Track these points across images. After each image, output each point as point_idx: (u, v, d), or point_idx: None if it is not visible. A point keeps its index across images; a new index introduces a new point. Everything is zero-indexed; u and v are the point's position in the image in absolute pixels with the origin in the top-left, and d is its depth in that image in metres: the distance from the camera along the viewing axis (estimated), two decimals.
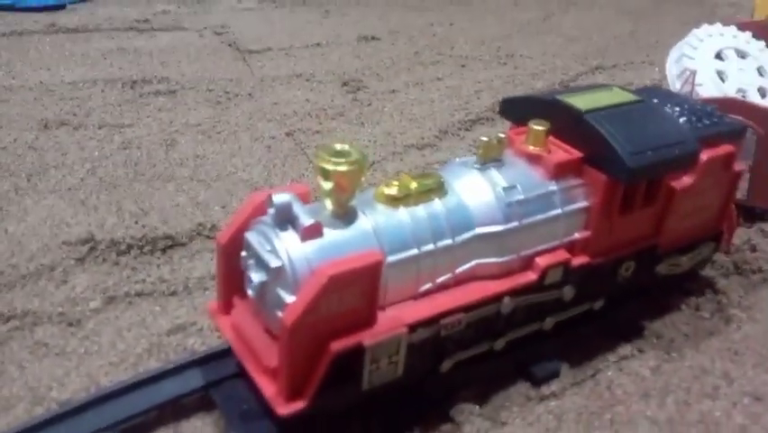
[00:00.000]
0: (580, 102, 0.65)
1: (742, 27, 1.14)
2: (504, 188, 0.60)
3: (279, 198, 0.51)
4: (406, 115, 1.23)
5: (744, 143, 0.77)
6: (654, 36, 1.72)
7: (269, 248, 0.51)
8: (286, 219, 0.51)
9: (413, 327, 0.55)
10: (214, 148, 1.09)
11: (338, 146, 0.52)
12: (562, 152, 0.64)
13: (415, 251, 0.55)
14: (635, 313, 0.75)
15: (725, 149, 0.71)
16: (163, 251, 0.85)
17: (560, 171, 0.63)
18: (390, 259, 0.54)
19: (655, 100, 0.73)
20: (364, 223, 0.54)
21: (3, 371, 0.66)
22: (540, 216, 0.61)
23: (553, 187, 0.62)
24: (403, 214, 0.56)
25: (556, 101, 0.65)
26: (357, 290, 0.51)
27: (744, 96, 1.03)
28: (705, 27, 1.09)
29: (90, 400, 0.59)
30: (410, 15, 1.86)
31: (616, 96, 0.68)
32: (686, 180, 0.69)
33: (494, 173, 0.61)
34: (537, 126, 0.63)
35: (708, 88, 1.02)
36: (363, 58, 1.50)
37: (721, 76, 1.06)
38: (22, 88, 1.28)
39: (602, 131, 0.62)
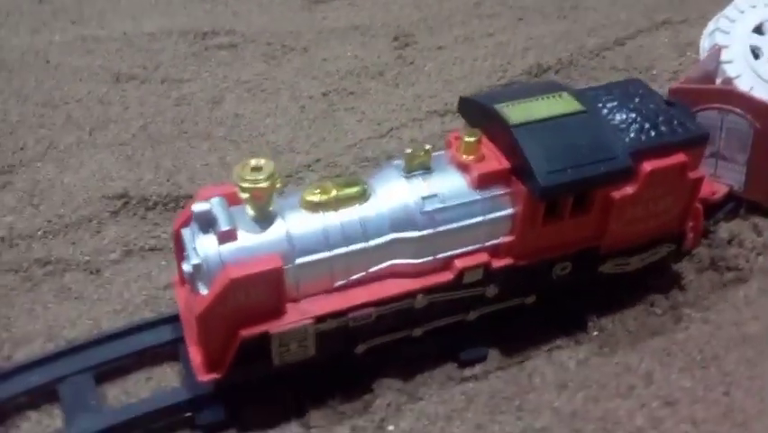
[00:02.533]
0: (516, 112, 0.68)
1: None
2: (423, 197, 0.66)
3: (199, 207, 0.60)
4: (443, 76, 1.26)
5: (703, 151, 0.76)
6: None
7: (193, 246, 0.61)
8: (207, 223, 0.61)
9: (321, 318, 0.64)
10: (255, 107, 1.19)
11: (253, 162, 0.61)
12: (491, 162, 0.68)
13: (326, 253, 0.63)
14: (583, 306, 0.79)
15: (675, 159, 0.71)
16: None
17: (484, 181, 0.68)
18: (300, 260, 0.63)
19: (613, 103, 0.74)
20: (278, 228, 0.62)
21: (31, 309, 0.82)
22: (459, 223, 0.67)
23: (476, 196, 0.67)
24: (319, 219, 0.64)
25: (492, 110, 0.69)
26: (261, 288, 0.60)
27: None
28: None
29: (85, 343, 0.74)
30: None
31: (557, 107, 0.70)
32: (627, 191, 0.71)
33: (418, 181, 0.67)
34: (468, 138, 0.68)
35: (738, 66, 0.98)
36: (423, 8, 1.51)
37: (756, 52, 1.00)
38: (107, 39, 1.43)
39: (524, 147, 0.66)
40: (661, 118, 0.73)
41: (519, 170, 0.67)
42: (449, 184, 0.67)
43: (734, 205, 0.91)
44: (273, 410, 0.69)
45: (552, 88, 0.73)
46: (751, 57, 0.99)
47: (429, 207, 0.66)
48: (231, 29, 1.47)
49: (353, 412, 0.70)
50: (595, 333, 0.78)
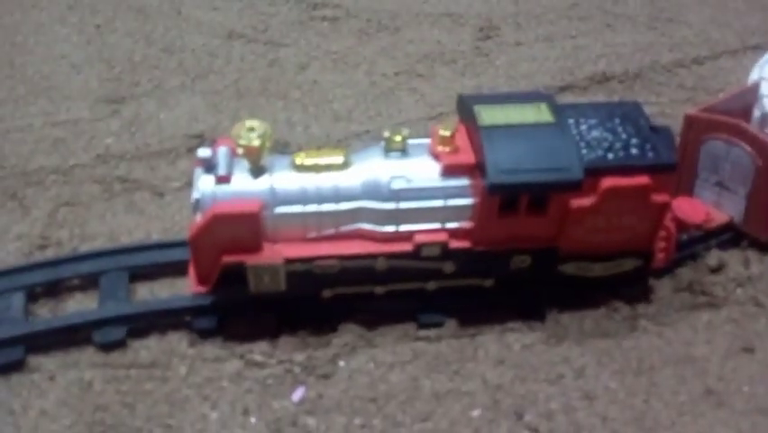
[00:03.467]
0: (489, 114, 0.77)
1: None
2: (393, 176, 0.77)
3: (202, 152, 0.75)
4: (509, 72, 1.33)
5: (672, 177, 0.80)
6: None
7: (197, 183, 0.76)
8: (210, 166, 0.76)
9: (290, 260, 0.77)
10: (332, 77, 1.33)
11: (249, 123, 0.74)
12: (461, 155, 0.77)
13: (301, 208, 0.76)
14: (544, 299, 0.86)
15: (636, 180, 0.77)
16: None
17: (451, 171, 0.77)
18: (279, 210, 0.76)
19: (592, 121, 0.80)
20: (265, 180, 0.76)
21: (103, 215, 1.01)
22: (422, 203, 0.78)
23: (441, 182, 0.77)
24: (301, 178, 0.77)
25: (471, 110, 0.78)
26: (241, 225, 0.75)
27: None
28: None
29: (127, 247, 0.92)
30: None
31: (529, 115, 0.77)
32: (584, 202, 0.77)
33: (393, 161, 0.78)
34: (443, 131, 0.77)
35: None
36: (520, 3, 1.57)
37: None
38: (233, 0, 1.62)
39: (485, 145, 0.74)
40: (634, 141, 0.78)
41: (480, 166, 0.75)
42: (420, 168, 0.78)
43: (732, 236, 0.93)
44: (254, 329, 0.84)
45: (536, 98, 0.80)
46: None
47: (397, 184, 0.77)
48: (338, 3, 1.61)
49: (315, 345, 0.83)
50: (550, 325, 0.86)
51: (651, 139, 0.79)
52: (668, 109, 1.27)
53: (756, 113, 1.01)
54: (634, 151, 0.78)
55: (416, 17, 1.56)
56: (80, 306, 0.89)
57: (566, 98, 1.28)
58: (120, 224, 1.02)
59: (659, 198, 0.79)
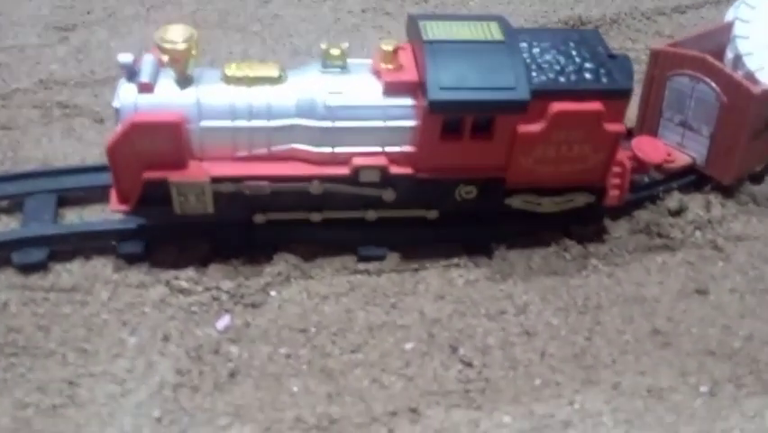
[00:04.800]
0: (435, 30, 0.72)
1: None
2: (330, 92, 0.72)
3: (122, 57, 0.70)
4: (484, 11, 1.27)
5: (626, 105, 0.75)
6: None
7: (118, 92, 0.71)
8: (133, 74, 0.70)
9: (217, 179, 0.72)
10: (296, 12, 1.27)
11: (172, 27, 0.69)
12: (403, 73, 0.72)
13: (229, 122, 0.71)
14: (492, 234, 0.82)
15: (588, 105, 0.72)
16: None
17: (392, 89, 0.72)
18: (205, 123, 0.71)
19: (545, 44, 0.75)
20: (191, 91, 0.71)
21: (38, 140, 0.95)
22: (360, 123, 0.72)
23: (382, 101, 0.72)
24: (231, 91, 0.72)
25: (417, 26, 0.72)
26: (162, 138, 0.70)
27: None
28: None
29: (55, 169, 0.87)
30: None
31: (478, 33, 0.72)
32: (532, 127, 0.73)
33: (331, 77, 0.73)
34: (385, 46, 0.72)
35: (753, 43, 0.93)
36: None
37: None
38: None
39: (427, 61, 0.69)
40: (588, 66, 0.73)
41: (422, 83, 0.70)
42: (359, 85, 0.73)
43: (694, 179, 0.89)
44: (183, 255, 0.79)
45: (488, 18, 0.75)
46: None
47: (333, 101, 0.72)
48: None
49: (247, 273, 0.78)
50: (497, 261, 0.81)
51: (607, 65, 0.74)
52: (643, 56, 1.21)
53: (729, 54, 0.96)
54: (587, 75, 0.73)
55: None
56: (4, 227, 0.84)
57: None
58: (56, 149, 0.96)
59: (612, 126, 0.74)
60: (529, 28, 0.82)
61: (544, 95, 0.71)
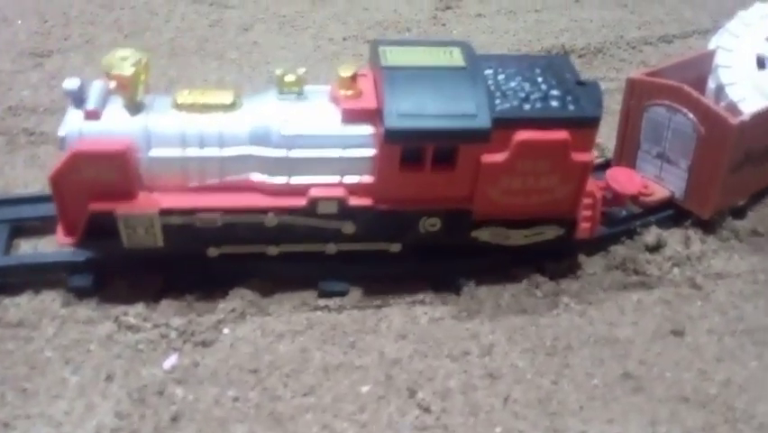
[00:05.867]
0: (395, 56, 0.69)
1: None
2: (286, 119, 0.69)
3: (68, 83, 0.67)
4: None
5: (595, 134, 0.71)
6: None
7: (65, 119, 0.68)
8: (80, 100, 0.68)
9: (167, 211, 0.69)
10: (276, 39, 1.25)
11: (120, 52, 0.66)
12: (361, 100, 0.69)
13: (179, 152, 0.68)
14: (460, 269, 0.78)
15: (554, 135, 0.69)
16: None
17: (350, 117, 0.69)
18: (154, 153, 0.68)
19: (510, 70, 0.72)
20: (140, 119, 0.68)
21: (1, 167, 0.93)
22: (317, 152, 0.69)
23: (340, 130, 0.69)
24: (181, 119, 0.69)
25: (377, 51, 0.70)
26: (109, 167, 0.67)
27: None
28: (757, 7, 0.93)
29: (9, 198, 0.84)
30: None
31: (439, 59, 0.70)
32: (496, 157, 0.69)
33: (287, 104, 0.70)
34: (343, 72, 0.69)
35: (736, 73, 0.91)
36: None
37: (763, 63, 0.92)
38: None
39: (385, 87, 0.66)
40: (555, 93, 0.70)
41: (380, 111, 0.68)
42: (316, 113, 0.70)
43: (673, 213, 0.85)
44: (135, 290, 0.76)
45: (451, 44, 0.72)
46: (754, 65, 0.91)
47: (288, 129, 0.69)
48: None
49: (200, 309, 0.75)
50: (465, 298, 0.77)
51: (575, 92, 0.71)
52: None
53: (711, 84, 0.93)
54: (554, 103, 0.70)
55: None
56: None
57: None
58: (17, 176, 0.93)
59: (580, 156, 0.70)
60: (496, 54, 0.79)
61: (507, 123, 0.68)
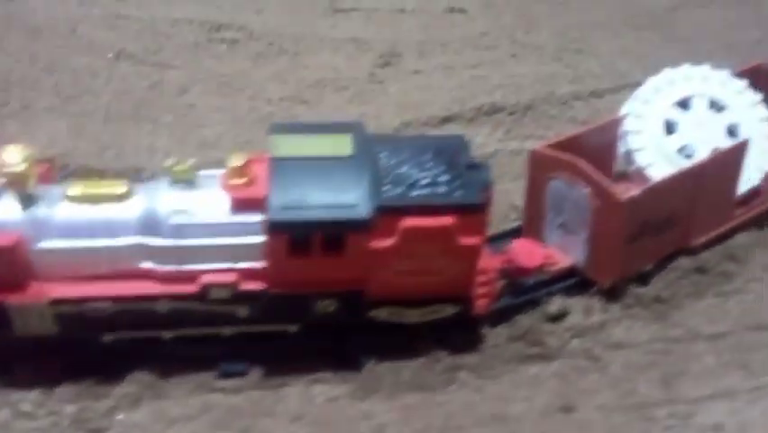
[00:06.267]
0: (286, 145, 0.71)
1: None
2: (175, 209, 0.70)
3: None
4: (398, 100, 1.27)
5: (484, 218, 0.72)
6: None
7: None
8: None
9: (58, 301, 0.70)
10: (212, 101, 1.27)
11: (9, 148, 0.68)
12: (251, 189, 0.71)
13: (70, 243, 0.70)
14: (359, 346, 0.79)
15: (439, 221, 0.70)
16: None
17: (240, 206, 0.71)
18: (44, 244, 0.69)
19: (402, 156, 0.73)
20: (31, 211, 0.69)
21: None
22: (207, 241, 0.71)
23: (228, 219, 0.71)
24: (72, 210, 0.70)
25: (270, 140, 0.72)
26: None
27: (689, 156, 0.92)
28: (666, 72, 0.96)
29: None
30: None
31: (328, 147, 0.71)
32: (384, 243, 0.71)
33: (178, 193, 0.71)
34: (235, 161, 0.71)
35: (644, 139, 0.93)
36: (430, 30, 1.51)
37: (671, 128, 0.94)
38: (135, 20, 1.52)
39: (272, 179, 0.68)
40: (444, 179, 0.72)
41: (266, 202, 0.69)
42: (207, 202, 0.71)
43: (578, 281, 0.86)
44: (36, 375, 0.76)
45: (344, 129, 0.74)
46: (662, 130, 0.93)
47: (177, 219, 0.70)
48: (244, 25, 1.55)
49: (95, 394, 0.75)
50: (365, 375, 0.78)
51: (464, 176, 0.72)
52: None
53: (621, 149, 0.95)
54: (440, 189, 0.71)
55: (321, 42, 1.50)
56: None
57: (449, 129, 1.21)
58: None
59: (468, 240, 0.72)
60: (391, 136, 0.81)
61: (393, 210, 0.70)
